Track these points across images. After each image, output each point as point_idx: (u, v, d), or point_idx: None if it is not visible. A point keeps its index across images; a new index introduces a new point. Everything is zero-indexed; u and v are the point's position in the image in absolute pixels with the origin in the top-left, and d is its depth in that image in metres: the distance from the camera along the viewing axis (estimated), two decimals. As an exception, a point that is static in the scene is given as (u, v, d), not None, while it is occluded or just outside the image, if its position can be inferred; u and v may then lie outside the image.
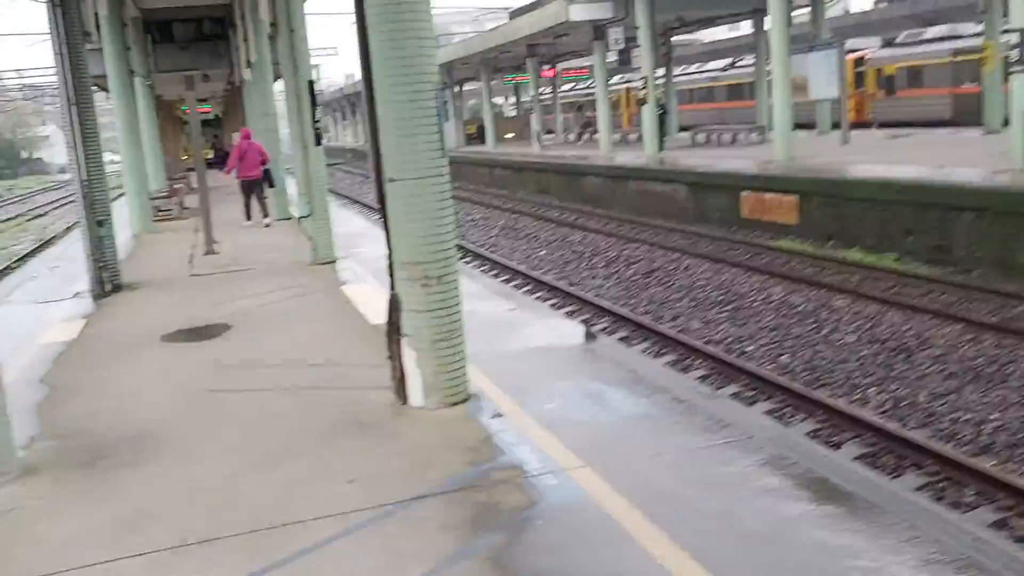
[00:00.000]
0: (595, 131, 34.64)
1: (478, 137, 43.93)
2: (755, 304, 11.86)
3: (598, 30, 27.11)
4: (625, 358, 7.04)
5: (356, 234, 14.74)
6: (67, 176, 17.36)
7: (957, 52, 25.87)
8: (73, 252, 12.15)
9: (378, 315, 7.94)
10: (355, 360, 6.51)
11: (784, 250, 14.89)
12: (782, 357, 9.56)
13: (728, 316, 11.39)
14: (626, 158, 24.61)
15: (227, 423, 5.40)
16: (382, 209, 5.38)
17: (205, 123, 36.38)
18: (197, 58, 23.18)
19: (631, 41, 26.51)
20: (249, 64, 17.68)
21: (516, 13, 33.20)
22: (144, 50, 20.52)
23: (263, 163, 16.37)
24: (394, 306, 5.34)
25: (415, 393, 5.32)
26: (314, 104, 11.17)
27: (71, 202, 14.24)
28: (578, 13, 25.27)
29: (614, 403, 5.28)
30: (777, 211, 16.60)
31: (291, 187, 18.35)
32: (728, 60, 38.56)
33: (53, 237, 26.40)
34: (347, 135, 70.64)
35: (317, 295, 9.35)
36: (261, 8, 15.16)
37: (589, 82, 49.70)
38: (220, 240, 13.65)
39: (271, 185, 16.81)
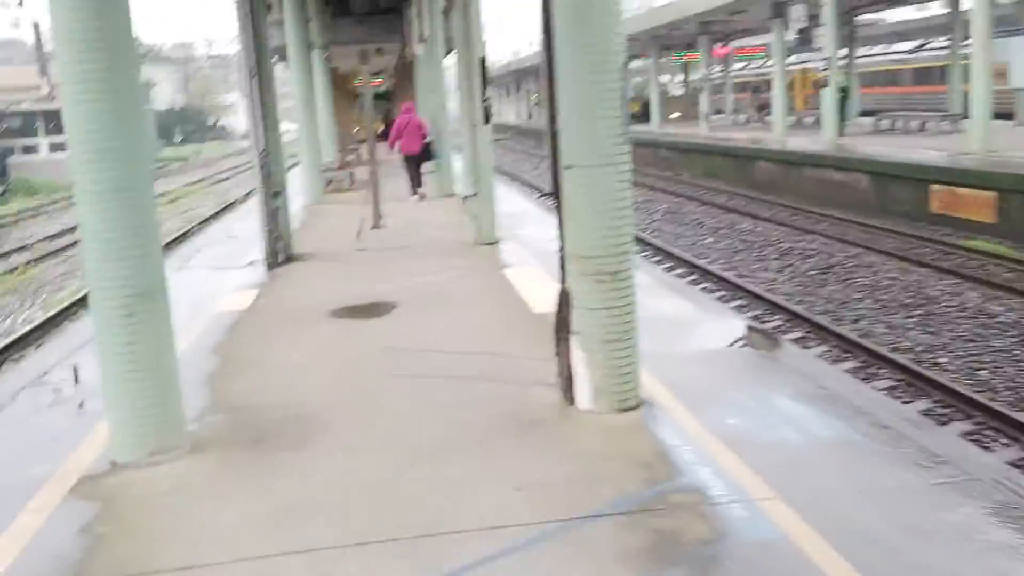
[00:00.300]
0: (767, 113, 33.10)
1: (642, 116, 42.99)
2: (947, 310, 10.80)
3: (778, 7, 25.77)
4: (813, 369, 6.43)
5: (518, 214, 14.56)
6: (247, 143, 18.11)
7: None
8: (250, 220, 12.52)
9: (540, 302, 7.71)
10: (518, 351, 6.25)
11: (979, 251, 13.57)
12: (981, 372, 8.62)
13: (917, 322, 10.42)
14: (801, 143, 23.28)
15: (389, 410, 5.26)
16: (556, 197, 5.05)
17: (377, 97, 37.25)
18: (372, 32, 23.66)
19: (813, 19, 25.01)
20: (422, 39, 17.79)
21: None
22: (323, 22, 21.07)
23: (423, 137, 16.45)
24: (564, 301, 5.01)
25: (583, 395, 4.99)
26: (485, 81, 10.98)
27: (250, 168, 14.76)
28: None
29: (804, 422, 4.76)
30: (972, 208, 15.19)
31: (456, 164, 18.43)
32: (916, 42, 35.87)
33: (234, 202, 27.82)
34: (510, 112, 71.08)
35: (479, 277, 9.19)
36: (437, -17, 15.20)
37: (763, 61, 47.68)
38: (386, 215, 13.80)
39: (430, 159, 16.86)
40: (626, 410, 4.95)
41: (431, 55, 17.51)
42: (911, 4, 30.02)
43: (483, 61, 10.96)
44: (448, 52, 18.66)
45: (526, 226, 13.18)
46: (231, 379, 6.05)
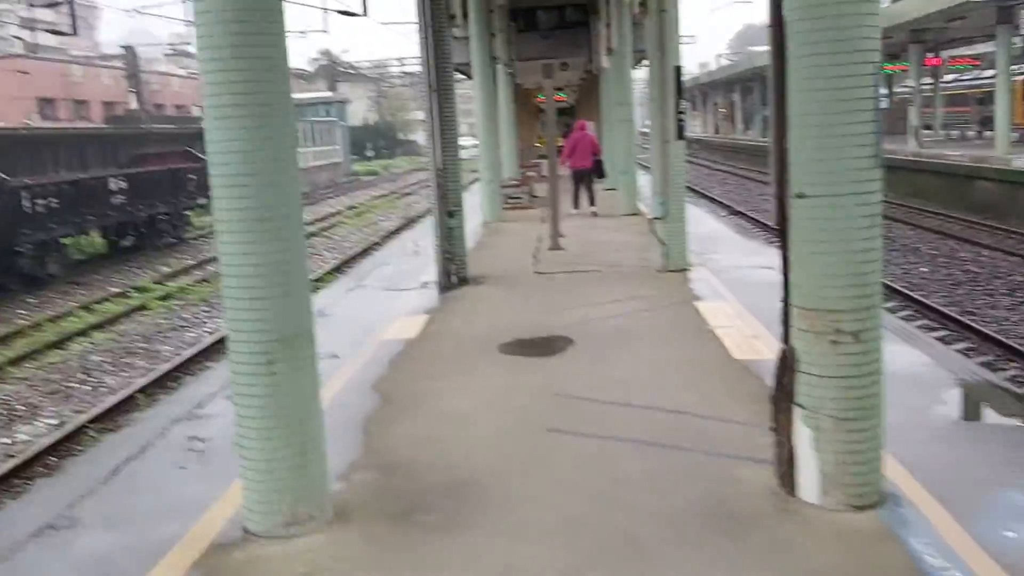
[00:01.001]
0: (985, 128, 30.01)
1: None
2: None
3: (1005, 12, 23.08)
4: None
5: (708, 236, 13.43)
6: (431, 158, 17.99)
7: None
8: (430, 235, 12.15)
9: (741, 347, 6.64)
10: (716, 411, 5.25)
11: None
12: None
13: None
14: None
15: (562, 482, 4.40)
16: (780, 233, 4.04)
17: (559, 112, 36.86)
18: (557, 46, 23.11)
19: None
20: (609, 51, 16.98)
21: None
22: (508, 38, 20.73)
23: (595, 155, 16.51)
24: (787, 364, 3.98)
25: (808, 484, 3.93)
26: (679, 92, 10.00)
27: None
28: (984, -11, 21.62)
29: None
30: None
31: (641, 180, 17.49)
32: None
33: (416, 216, 28.09)
34: (695, 124, 69.14)
35: (667, 311, 8.20)
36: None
37: (975, 72, 43.57)
38: (566, 235, 13.06)
39: (600, 176, 16.92)
40: (864, 507, 3.85)
41: (619, 67, 16.66)
42: None
43: (678, 70, 9.99)
44: (637, 64, 17.76)
45: (718, 250, 12.05)
46: (388, 425, 5.41)
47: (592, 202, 16.57)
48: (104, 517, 4.44)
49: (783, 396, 4.04)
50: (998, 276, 14.01)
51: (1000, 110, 24.18)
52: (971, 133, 32.72)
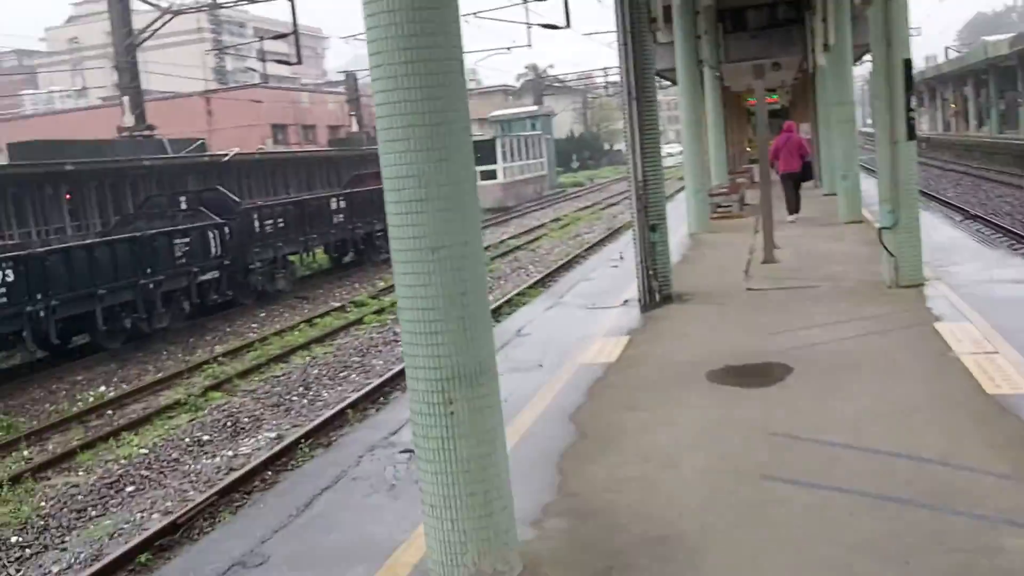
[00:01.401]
0: None
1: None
2: None
3: None
4: None
5: (944, 246, 12.04)
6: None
7: None
8: (631, 250, 11.70)
9: (995, 378, 5.69)
10: (968, 458, 4.44)
11: None
12: None
13: None
14: None
15: (784, 546, 3.81)
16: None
17: (771, 114, 35.18)
18: (768, 46, 21.87)
19: None
20: (826, 47, 15.78)
21: None
22: (715, 39, 19.87)
23: (803, 156, 15.93)
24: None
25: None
26: (910, 88, 8.95)
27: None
28: None
29: None
30: None
31: (866, 185, 16.15)
32: None
33: (620, 227, 27.66)
34: (922, 122, 63.98)
35: (901, 334, 7.26)
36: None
37: None
38: (781, 246, 12.16)
39: (809, 178, 16.68)
40: None
41: (837, 64, 15.43)
42: None
43: (908, 64, 8.94)
44: (857, 60, 16.41)
45: (957, 261, 10.73)
46: (584, 463, 5.02)
47: (796, 208, 15.99)
48: (291, 555, 4.36)
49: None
50: None
51: None
52: None
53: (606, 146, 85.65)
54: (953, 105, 58.87)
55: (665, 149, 58.72)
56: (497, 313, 13.59)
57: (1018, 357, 6.14)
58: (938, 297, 8.47)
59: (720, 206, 18.30)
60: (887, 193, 9.21)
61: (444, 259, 3.49)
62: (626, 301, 9.98)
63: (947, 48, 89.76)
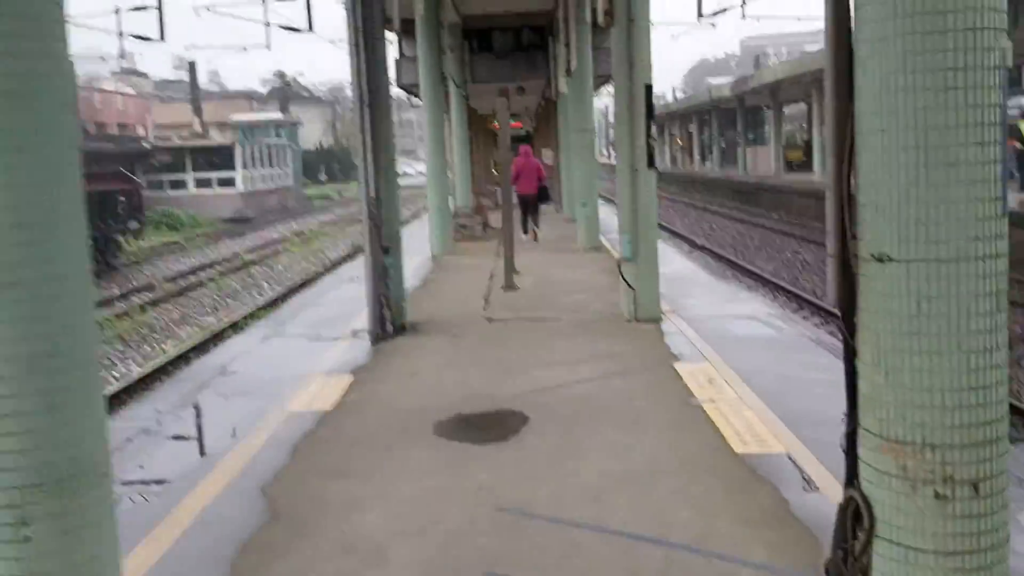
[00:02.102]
0: None
1: (801, 165, 39.85)
2: None
3: None
4: None
5: (677, 277, 12.10)
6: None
7: None
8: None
9: (742, 434, 5.24)
10: (722, 544, 3.80)
11: None
12: None
13: None
14: None
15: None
16: (843, 317, 2.65)
17: (515, 139, 35.68)
18: (513, 69, 21.86)
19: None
20: (568, 72, 15.70)
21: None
22: (461, 57, 19.45)
23: (540, 180, 16.53)
24: (858, 521, 2.57)
25: None
26: (651, 114, 8.68)
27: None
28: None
29: None
30: None
31: (603, 212, 16.27)
32: None
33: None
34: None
35: (643, 376, 6.78)
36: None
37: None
38: (521, 271, 11.67)
39: (545, 201, 17.32)
40: None
41: (578, 91, 15.35)
42: None
43: (648, 89, 8.67)
44: (598, 88, 16.53)
45: (691, 294, 10.71)
46: (267, 559, 3.87)
47: (527, 230, 16.73)
48: None
49: (846, 564, 2.62)
50: None
51: None
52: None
53: (357, 160, 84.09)
54: (679, 141, 63.48)
55: (416, 168, 57.98)
56: (204, 347, 11.98)
57: (760, 405, 5.80)
58: (676, 333, 8.18)
59: (463, 227, 17.79)
60: (628, 223, 8.87)
61: (18, 302, 2.28)
62: (356, 332, 8.91)
63: (674, 88, 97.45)
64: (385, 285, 8.70)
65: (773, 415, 5.54)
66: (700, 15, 24.40)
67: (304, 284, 18.33)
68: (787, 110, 45.69)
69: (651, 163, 8.75)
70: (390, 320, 8.72)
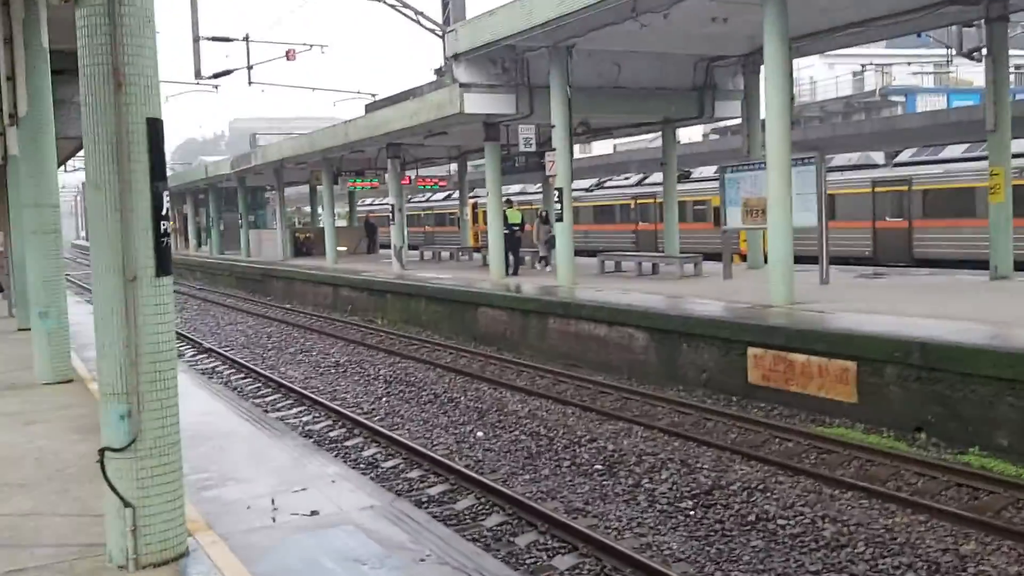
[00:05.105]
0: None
1: (308, 250, 37.94)
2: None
3: (491, 128, 22.04)
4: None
5: (201, 434, 8.13)
6: None
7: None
8: None
9: None
10: None
11: (847, 443, 9.95)
12: None
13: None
14: (530, 287, 19.36)
15: None
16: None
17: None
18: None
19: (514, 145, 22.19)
20: (13, 119, 10.69)
21: (373, 107, 27.57)
22: None
23: None
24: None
25: None
26: (162, 182, 4.84)
27: None
28: (475, 105, 20.05)
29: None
30: (818, 382, 11.62)
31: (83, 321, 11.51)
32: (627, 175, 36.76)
33: None
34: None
35: None
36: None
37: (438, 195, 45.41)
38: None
39: None
40: None
41: (32, 147, 10.51)
42: (638, 134, 28.54)
43: (157, 133, 4.83)
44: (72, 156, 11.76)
45: (230, 473, 6.75)
46: None
47: None
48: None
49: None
50: (572, 440, 11.05)
51: (492, 231, 22.84)
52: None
53: None
54: (171, 223, 57.68)
55: None
56: None
57: None
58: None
59: None
60: (125, 374, 4.80)
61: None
62: None
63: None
64: None
65: None
66: (198, 76, 20.64)
67: None
68: (290, 192, 43.50)
69: (163, 268, 4.86)
70: None
